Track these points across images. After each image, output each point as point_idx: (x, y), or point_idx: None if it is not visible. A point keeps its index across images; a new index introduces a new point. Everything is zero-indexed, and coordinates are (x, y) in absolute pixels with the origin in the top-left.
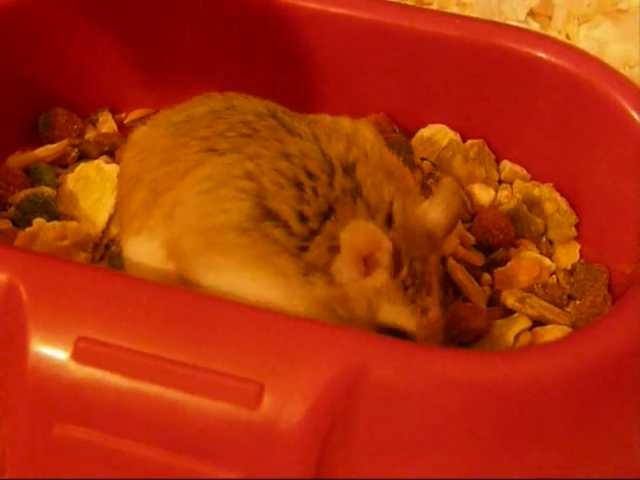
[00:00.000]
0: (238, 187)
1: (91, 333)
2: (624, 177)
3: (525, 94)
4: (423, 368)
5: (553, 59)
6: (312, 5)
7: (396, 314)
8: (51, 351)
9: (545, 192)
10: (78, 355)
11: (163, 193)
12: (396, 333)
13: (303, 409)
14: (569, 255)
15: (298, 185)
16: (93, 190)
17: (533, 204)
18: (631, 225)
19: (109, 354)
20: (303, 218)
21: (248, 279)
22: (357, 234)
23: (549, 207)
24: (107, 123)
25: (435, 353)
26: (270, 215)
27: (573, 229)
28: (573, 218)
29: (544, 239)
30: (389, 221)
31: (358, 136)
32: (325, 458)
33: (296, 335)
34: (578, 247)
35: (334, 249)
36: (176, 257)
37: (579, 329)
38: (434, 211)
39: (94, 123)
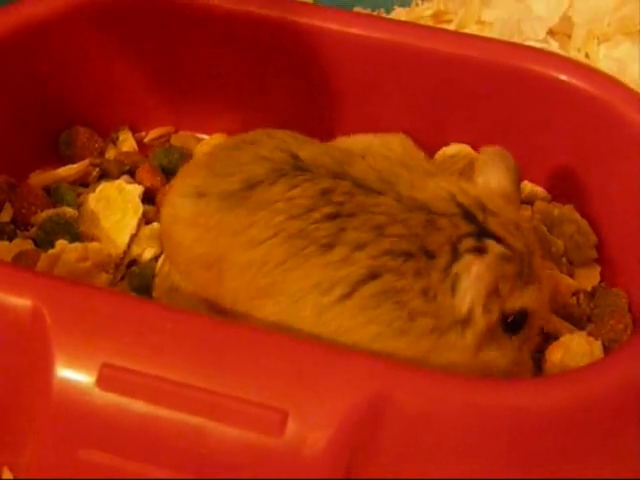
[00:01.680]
0: (372, 291)
1: (115, 360)
2: None
3: (546, 115)
4: (446, 395)
5: (574, 81)
6: (330, 26)
7: (520, 302)
8: (76, 377)
9: (565, 213)
10: (103, 382)
11: (268, 291)
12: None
13: (327, 436)
14: (589, 277)
15: (408, 258)
16: (114, 210)
17: (553, 225)
18: None
19: (133, 381)
20: (426, 292)
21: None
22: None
23: (569, 228)
24: (127, 142)
25: (457, 380)
26: (412, 313)
27: (594, 250)
28: (593, 239)
29: (564, 260)
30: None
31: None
32: None
33: (319, 361)
34: (598, 269)
35: (453, 289)
36: None
37: (599, 360)
38: (494, 177)
39: (114, 142)
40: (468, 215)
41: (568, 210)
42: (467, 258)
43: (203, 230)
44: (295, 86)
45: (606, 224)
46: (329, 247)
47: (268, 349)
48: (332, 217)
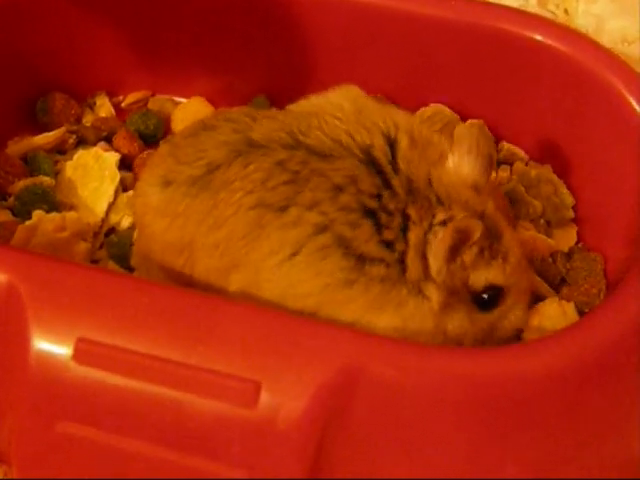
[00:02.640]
0: (318, 245)
1: (91, 334)
2: (621, 160)
3: (524, 76)
4: (418, 365)
5: (552, 42)
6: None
7: (484, 276)
8: (52, 352)
9: (543, 174)
10: (79, 356)
11: (235, 265)
12: (494, 292)
13: (300, 407)
14: (566, 237)
15: (368, 213)
16: (92, 178)
17: (530, 186)
18: (628, 208)
19: (109, 355)
20: (389, 244)
21: (374, 324)
22: (444, 233)
23: (546, 189)
24: (104, 106)
25: (430, 350)
26: (363, 259)
27: (570, 211)
28: (570, 200)
29: (542, 221)
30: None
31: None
32: (323, 454)
33: (293, 333)
34: (575, 229)
35: (424, 255)
36: None
37: (571, 325)
38: (467, 164)
39: (91, 107)
40: (441, 203)
41: (545, 171)
42: (437, 227)
43: (172, 218)
44: (274, 50)
45: (584, 185)
46: (283, 210)
47: (241, 321)
48: (287, 183)
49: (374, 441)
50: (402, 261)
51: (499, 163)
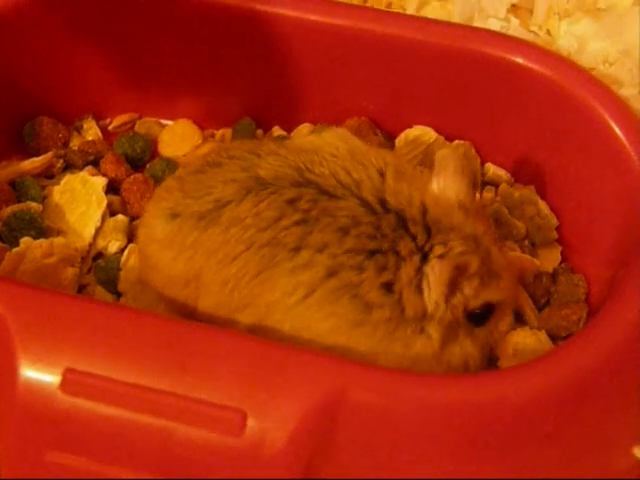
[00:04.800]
0: (330, 288)
1: (78, 365)
2: (602, 182)
3: (508, 99)
4: (399, 391)
5: (533, 65)
6: (293, 14)
7: (482, 298)
8: (40, 382)
9: (526, 195)
10: (66, 386)
11: (246, 303)
12: (487, 308)
13: (285, 435)
14: (551, 258)
15: (370, 256)
16: (79, 203)
17: (514, 207)
18: (610, 229)
19: (96, 385)
20: (389, 286)
21: (384, 361)
22: (442, 268)
23: (530, 210)
24: (92, 130)
25: (411, 377)
26: (369, 304)
27: (554, 232)
28: (554, 221)
29: (526, 242)
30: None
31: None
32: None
33: (276, 362)
34: (559, 249)
35: (420, 289)
36: None
37: (551, 351)
38: (453, 185)
39: (79, 130)
40: (438, 231)
41: (529, 193)
42: (434, 260)
43: (179, 250)
44: (258, 72)
45: (567, 206)
46: (296, 251)
47: (227, 350)
48: (299, 223)
49: (358, 464)
50: (401, 302)
51: (484, 184)
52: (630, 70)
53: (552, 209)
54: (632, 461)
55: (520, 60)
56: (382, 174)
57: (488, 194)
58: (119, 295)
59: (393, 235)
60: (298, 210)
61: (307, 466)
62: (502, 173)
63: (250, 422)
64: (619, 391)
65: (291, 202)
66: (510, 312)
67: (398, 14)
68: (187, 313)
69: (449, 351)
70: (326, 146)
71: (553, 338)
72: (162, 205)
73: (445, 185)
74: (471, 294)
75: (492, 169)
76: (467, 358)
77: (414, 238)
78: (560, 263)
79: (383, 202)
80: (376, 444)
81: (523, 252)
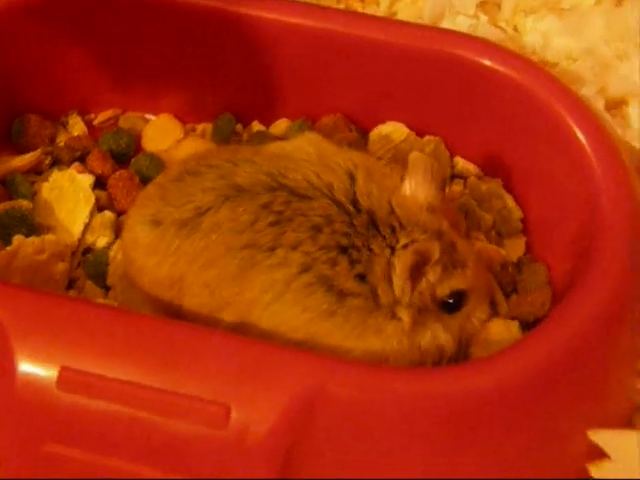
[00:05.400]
0: (304, 283)
1: (73, 363)
2: (563, 178)
3: (474, 97)
4: (373, 384)
5: (498, 67)
6: (272, 16)
7: (449, 286)
8: (38, 381)
9: (493, 189)
10: (62, 384)
11: (227, 303)
12: (458, 296)
13: (266, 426)
14: (516, 248)
15: (343, 251)
16: (67, 200)
17: (482, 200)
18: (571, 222)
19: (90, 382)
20: (362, 277)
21: (358, 350)
22: (405, 256)
23: (496, 203)
24: (77, 126)
25: (384, 371)
26: (343, 294)
27: (519, 223)
28: (518, 214)
29: (493, 233)
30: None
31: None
32: (290, 468)
33: (258, 359)
34: (524, 240)
35: (391, 280)
36: None
37: (516, 342)
38: (423, 189)
39: (65, 126)
40: (402, 227)
41: (495, 186)
42: (399, 251)
43: (163, 256)
44: (237, 69)
45: (532, 198)
46: (272, 250)
47: (212, 348)
48: (273, 224)
49: (336, 454)
50: (375, 291)
51: (454, 177)
52: (592, 68)
53: (517, 201)
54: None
55: (487, 62)
56: (351, 176)
57: (457, 187)
58: (108, 288)
59: (367, 233)
60: (272, 212)
61: (287, 455)
62: (471, 167)
63: (234, 415)
64: (581, 379)
65: (265, 206)
66: (484, 301)
67: (372, 17)
68: (173, 312)
69: (420, 335)
70: (297, 151)
71: (523, 324)
72: (144, 212)
73: (416, 188)
74: (435, 280)
75: (461, 163)
76: (439, 343)
77: (384, 238)
78: (525, 253)
79: (355, 202)
80: (352, 435)
81: (490, 242)
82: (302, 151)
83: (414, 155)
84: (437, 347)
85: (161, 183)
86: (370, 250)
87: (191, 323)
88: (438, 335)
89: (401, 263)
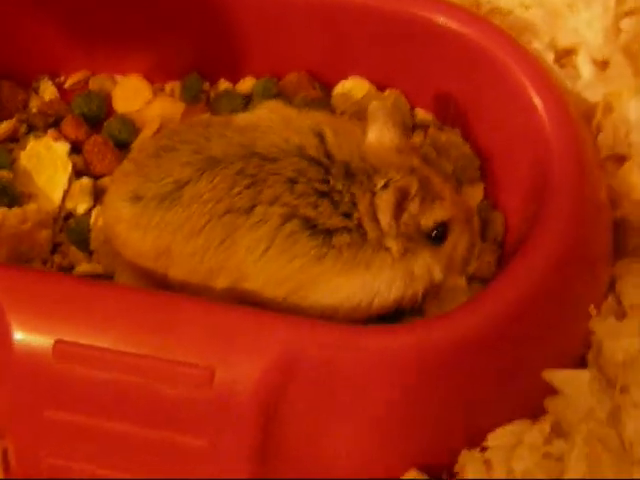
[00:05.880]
0: (287, 233)
1: (67, 336)
2: (514, 127)
3: (429, 51)
4: (348, 344)
5: (451, 24)
6: None
7: (432, 217)
8: (34, 353)
9: (451, 139)
10: (58, 355)
11: (217, 269)
12: (442, 227)
13: (249, 386)
14: (474, 194)
15: (323, 195)
16: (45, 167)
17: (442, 150)
18: (523, 168)
19: (84, 353)
20: (347, 215)
21: (349, 286)
22: (387, 195)
23: (455, 152)
24: (48, 90)
25: (356, 330)
26: (329, 232)
27: (477, 171)
28: (476, 162)
29: (454, 180)
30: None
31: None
32: (272, 424)
33: (239, 323)
34: (482, 187)
35: (377, 219)
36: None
37: (470, 300)
38: (387, 133)
39: (36, 91)
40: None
41: (454, 136)
42: (379, 192)
43: (146, 230)
44: (204, 28)
45: (489, 146)
46: (250, 210)
47: (195, 317)
48: (249, 186)
49: (314, 409)
50: (361, 226)
51: (415, 127)
52: (542, 18)
53: (476, 149)
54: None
55: (441, 19)
56: (319, 135)
57: (417, 137)
58: (91, 252)
59: (346, 181)
60: (246, 176)
61: (271, 411)
62: (430, 117)
63: (218, 377)
64: (538, 327)
65: (239, 172)
66: (466, 231)
67: None
68: (159, 281)
69: (411, 261)
70: (261, 121)
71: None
72: (124, 188)
73: (379, 134)
74: (417, 212)
75: (421, 113)
76: (430, 269)
77: (362, 182)
78: (482, 199)
79: (328, 155)
80: (329, 390)
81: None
82: (266, 119)
83: (373, 104)
84: (428, 274)
85: (137, 159)
86: (352, 194)
87: (174, 292)
88: (429, 262)
89: (384, 202)
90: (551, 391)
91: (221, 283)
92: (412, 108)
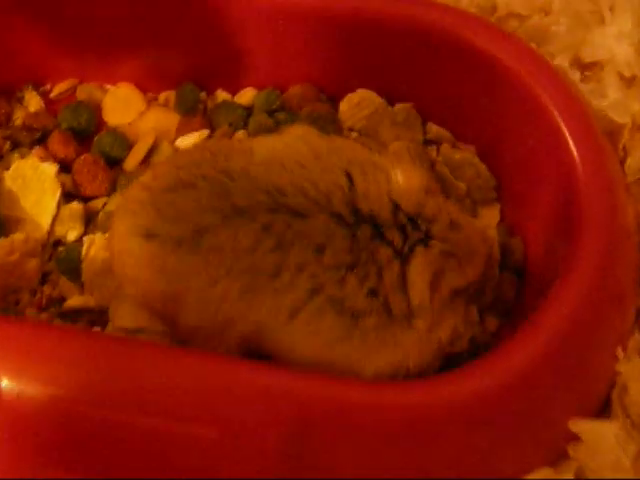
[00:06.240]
0: (314, 307)
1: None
2: (537, 146)
3: (443, 64)
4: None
5: (466, 35)
6: None
7: (466, 275)
8: None
9: (466, 158)
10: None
11: (232, 320)
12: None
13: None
14: (490, 215)
15: (350, 269)
16: (32, 190)
17: (455, 168)
18: (547, 193)
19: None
20: (373, 292)
21: (377, 366)
22: (423, 271)
23: (469, 171)
24: (33, 100)
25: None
26: (356, 313)
27: (492, 191)
28: (492, 182)
29: (468, 201)
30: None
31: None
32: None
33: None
34: (498, 207)
35: (405, 290)
36: None
37: (491, 354)
38: (413, 174)
39: (21, 101)
40: (414, 224)
41: (469, 154)
42: (415, 263)
43: (158, 271)
44: (200, 35)
45: (506, 166)
46: (276, 275)
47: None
48: (275, 249)
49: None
50: (387, 304)
51: (427, 143)
52: (566, 27)
53: (491, 168)
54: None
55: (457, 30)
56: (348, 175)
57: (431, 153)
58: (83, 283)
59: (371, 246)
60: (272, 235)
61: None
62: (444, 132)
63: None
64: (564, 374)
65: (265, 228)
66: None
67: None
68: (166, 321)
69: (438, 330)
70: (290, 151)
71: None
72: (136, 222)
73: (407, 174)
74: (455, 279)
75: (434, 128)
76: (455, 329)
77: (391, 243)
78: (499, 221)
79: (355, 211)
80: (340, 448)
81: (464, 211)
82: (295, 151)
83: (394, 146)
84: (454, 334)
85: (152, 189)
86: (376, 262)
87: (162, 345)
88: (452, 325)
89: (420, 277)
90: (574, 436)
91: (236, 333)
92: (424, 123)
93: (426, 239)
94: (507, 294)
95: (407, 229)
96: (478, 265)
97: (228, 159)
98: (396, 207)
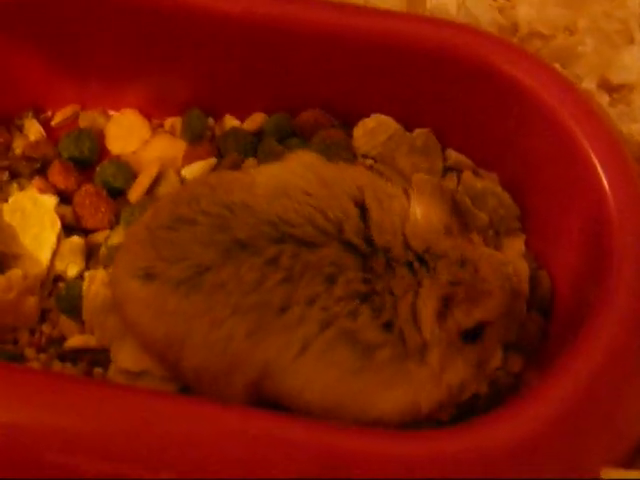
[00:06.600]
0: (325, 341)
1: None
2: (565, 175)
3: (465, 87)
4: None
5: (488, 58)
6: (236, 9)
7: (473, 317)
8: None
9: (488, 187)
10: None
11: (240, 363)
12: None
13: None
14: (514, 246)
15: (364, 299)
16: (31, 224)
17: (476, 197)
18: (574, 225)
19: None
20: (388, 324)
21: (390, 402)
22: (430, 300)
23: (492, 201)
24: (33, 128)
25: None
26: (369, 346)
27: (516, 221)
28: (516, 211)
29: (491, 232)
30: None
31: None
32: None
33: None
34: (523, 238)
35: (417, 323)
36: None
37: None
38: (435, 210)
39: (20, 129)
40: (422, 261)
41: (491, 183)
42: (422, 294)
43: (159, 313)
44: (208, 59)
45: (530, 194)
46: (284, 310)
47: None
48: (282, 282)
49: None
50: (402, 336)
51: (446, 170)
52: (592, 47)
53: (515, 196)
54: None
55: (479, 53)
56: (360, 204)
57: (450, 182)
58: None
59: (386, 275)
60: (280, 268)
61: None
62: (464, 159)
63: None
64: (594, 425)
65: (272, 261)
66: (505, 333)
67: (353, 5)
68: (169, 364)
69: (447, 373)
70: (295, 180)
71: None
72: (136, 264)
73: (427, 211)
74: (462, 317)
75: (454, 155)
76: (462, 378)
77: (403, 277)
78: (524, 252)
79: (369, 240)
80: None
81: (487, 242)
82: (301, 179)
83: (417, 177)
84: (461, 383)
85: (151, 227)
86: (392, 293)
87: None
88: (461, 370)
89: (427, 308)
90: None
91: (243, 377)
92: (443, 149)
93: (433, 274)
94: (532, 332)
95: (414, 265)
96: (490, 306)
97: (228, 192)
98: (408, 244)
